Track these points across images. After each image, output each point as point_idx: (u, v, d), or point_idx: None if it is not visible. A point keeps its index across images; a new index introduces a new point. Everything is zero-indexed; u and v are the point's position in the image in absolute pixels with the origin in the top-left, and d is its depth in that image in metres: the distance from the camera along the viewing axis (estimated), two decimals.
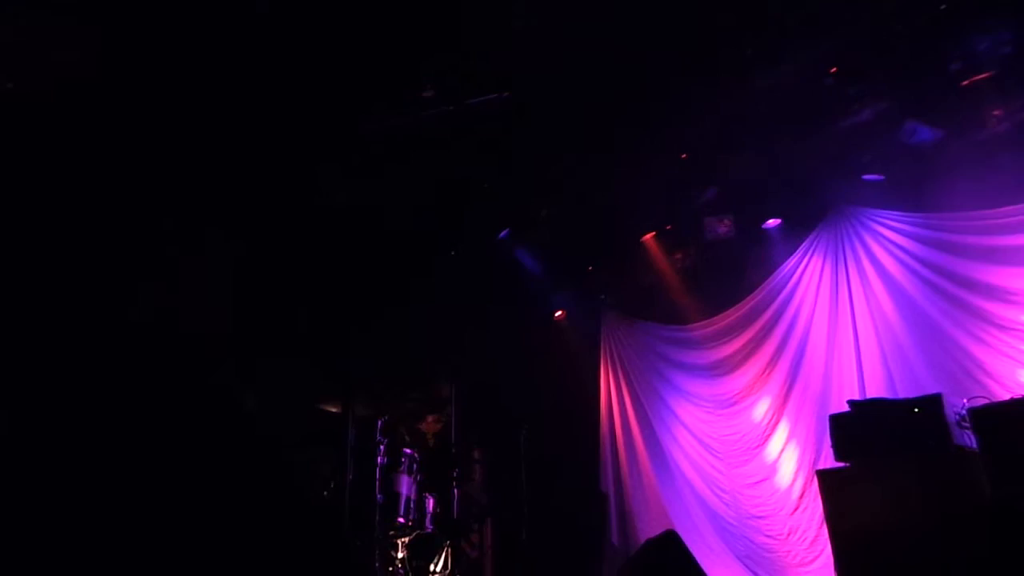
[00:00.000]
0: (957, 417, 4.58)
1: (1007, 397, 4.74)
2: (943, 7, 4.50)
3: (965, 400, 4.66)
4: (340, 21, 4.11)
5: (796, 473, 6.32)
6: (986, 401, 4.67)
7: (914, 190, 5.77)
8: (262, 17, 4.08)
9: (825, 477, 4.91)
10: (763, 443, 6.63)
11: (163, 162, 4.45)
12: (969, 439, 4.48)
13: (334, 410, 4.53)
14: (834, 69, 5.04)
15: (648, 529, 6.53)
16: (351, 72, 4.36)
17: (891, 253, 5.93)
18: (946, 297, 5.57)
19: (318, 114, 4.56)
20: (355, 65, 4.32)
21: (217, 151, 4.66)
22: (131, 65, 4.15)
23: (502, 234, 6.82)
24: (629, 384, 7.58)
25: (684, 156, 5.98)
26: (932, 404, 4.55)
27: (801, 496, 6.24)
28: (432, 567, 4.53)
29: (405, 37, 4.22)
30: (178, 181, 4.52)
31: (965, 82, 4.97)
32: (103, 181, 4.23)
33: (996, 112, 5.15)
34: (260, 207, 4.90)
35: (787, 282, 6.60)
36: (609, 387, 7.70)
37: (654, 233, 7.07)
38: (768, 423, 6.61)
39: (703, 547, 6.46)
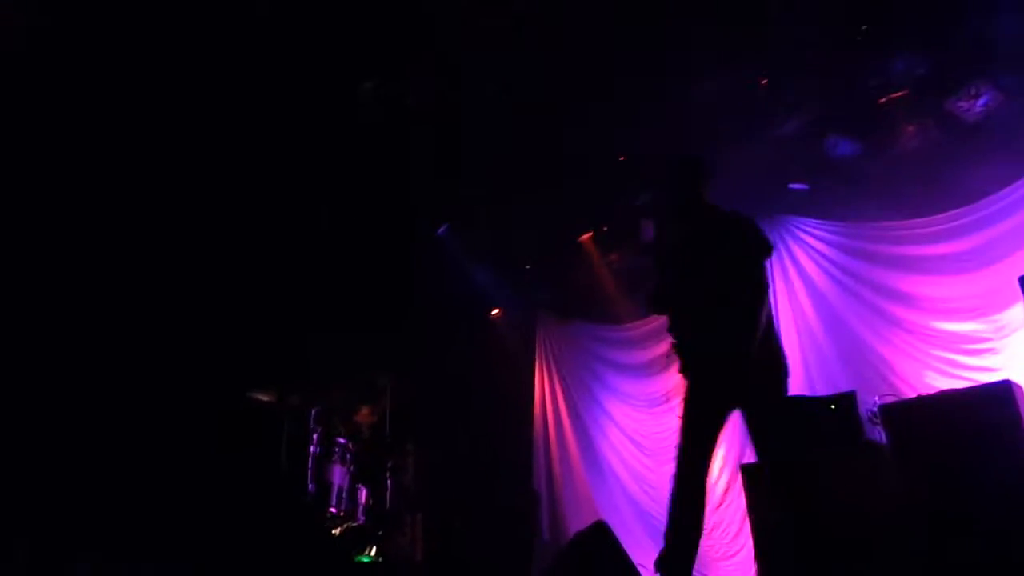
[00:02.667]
0: (869, 414, 4.85)
1: (914, 395, 5.04)
2: (864, 27, 4.78)
3: (876, 397, 4.93)
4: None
5: (721, 469, 6.51)
6: (895, 399, 4.96)
7: (836, 200, 6.09)
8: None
9: (748, 472, 5.08)
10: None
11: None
12: (879, 434, 4.74)
13: (266, 399, 4.44)
14: (764, 81, 5.28)
15: (578, 524, 6.59)
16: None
17: (814, 259, 6.23)
18: (862, 302, 5.89)
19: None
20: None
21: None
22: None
23: (441, 229, 6.84)
24: (563, 382, 7.68)
25: (622, 158, 6.14)
26: (847, 401, 4.79)
27: (725, 492, 6.44)
28: (363, 558, 4.49)
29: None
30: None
31: (882, 99, 5.28)
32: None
33: (909, 128, 5.49)
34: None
35: None
36: (544, 385, 7.78)
37: (591, 233, 7.21)
38: None
39: (631, 542, 6.54)
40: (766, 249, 3.41)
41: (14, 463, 2.94)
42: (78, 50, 4.01)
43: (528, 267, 7.55)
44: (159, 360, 4.02)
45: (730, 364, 3.08)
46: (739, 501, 6.01)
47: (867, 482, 4.48)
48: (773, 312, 3.54)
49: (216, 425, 4.00)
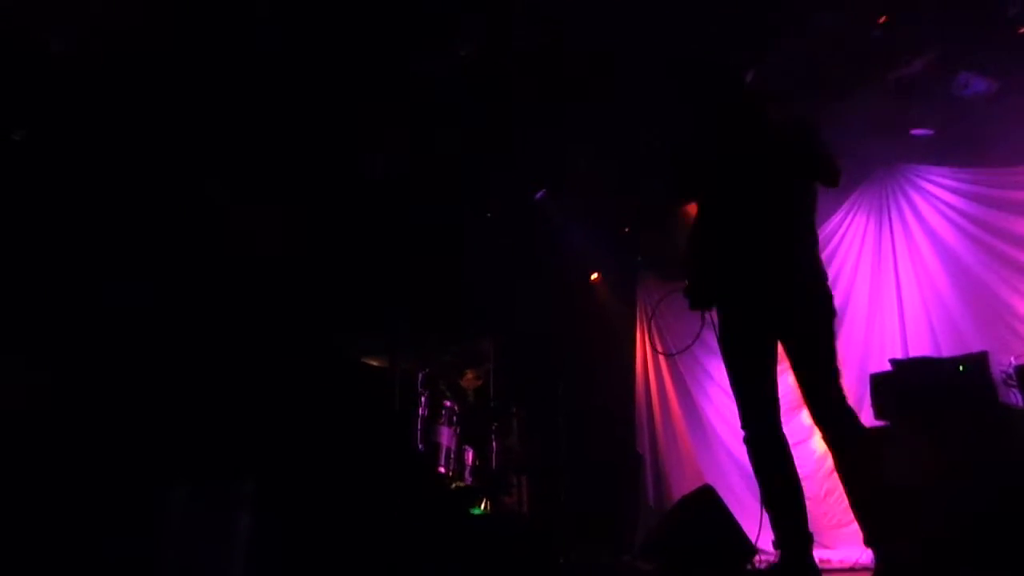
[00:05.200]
0: (1003, 375, 4.50)
1: None
2: None
3: (1012, 358, 4.56)
4: None
5: None
6: None
7: (964, 145, 5.60)
8: None
9: None
10: (801, 405, 6.56)
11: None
12: (1015, 397, 4.40)
13: (377, 364, 4.64)
14: (883, 18, 4.87)
15: (683, 488, 6.54)
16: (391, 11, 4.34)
17: (938, 210, 5.78)
18: (994, 254, 5.42)
19: (361, 58, 4.57)
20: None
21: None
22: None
23: (538, 194, 6.83)
24: (665, 346, 7.56)
25: None
26: (978, 362, 4.46)
27: None
28: (476, 510, 4.65)
29: None
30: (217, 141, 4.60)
31: (1022, 29, 4.77)
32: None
33: None
34: (303, 163, 4.96)
35: (829, 241, 6.46)
36: (645, 349, 7.70)
37: None
38: None
39: (738, 509, 6.43)
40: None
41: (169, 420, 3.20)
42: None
43: (627, 230, 7.42)
44: (289, 331, 4.24)
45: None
46: None
47: (1000, 448, 4.20)
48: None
49: (336, 389, 4.20)
